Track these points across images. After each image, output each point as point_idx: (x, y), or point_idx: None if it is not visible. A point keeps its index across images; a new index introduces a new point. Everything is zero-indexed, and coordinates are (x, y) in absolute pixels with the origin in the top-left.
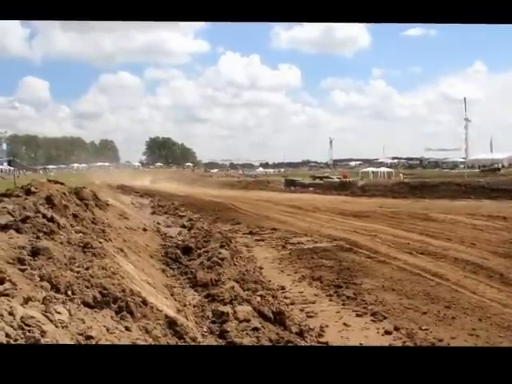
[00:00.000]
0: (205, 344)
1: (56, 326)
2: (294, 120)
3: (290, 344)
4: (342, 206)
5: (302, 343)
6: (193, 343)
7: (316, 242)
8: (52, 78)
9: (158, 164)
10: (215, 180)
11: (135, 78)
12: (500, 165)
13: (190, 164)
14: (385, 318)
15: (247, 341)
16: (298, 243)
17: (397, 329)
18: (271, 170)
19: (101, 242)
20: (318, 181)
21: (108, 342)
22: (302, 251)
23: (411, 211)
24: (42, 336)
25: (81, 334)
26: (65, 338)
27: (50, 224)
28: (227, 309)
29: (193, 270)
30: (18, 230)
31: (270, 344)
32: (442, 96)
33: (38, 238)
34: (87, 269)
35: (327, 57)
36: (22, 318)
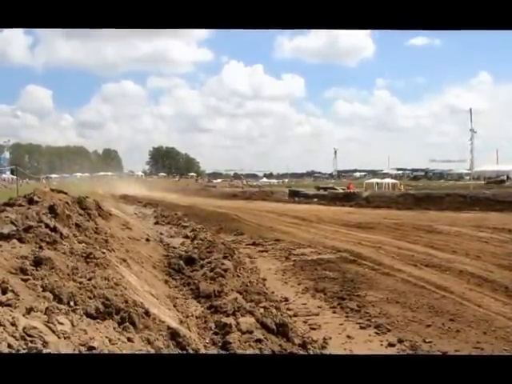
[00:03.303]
0: (205, 353)
1: (58, 337)
2: (298, 130)
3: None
4: (346, 218)
5: None
6: None
7: (320, 254)
8: (55, 87)
9: (162, 174)
10: (219, 190)
11: (138, 87)
12: (506, 176)
13: (194, 174)
14: (389, 330)
15: (250, 352)
16: (302, 254)
17: (400, 341)
18: (275, 181)
19: (103, 253)
20: (322, 192)
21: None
22: (305, 262)
23: (416, 223)
24: (44, 347)
25: (83, 345)
26: (67, 349)
27: (53, 234)
28: (230, 320)
29: (196, 281)
30: (20, 240)
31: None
32: (447, 107)
33: (40, 247)
34: (90, 279)
35: (331, 67)
36: (24, 328)
